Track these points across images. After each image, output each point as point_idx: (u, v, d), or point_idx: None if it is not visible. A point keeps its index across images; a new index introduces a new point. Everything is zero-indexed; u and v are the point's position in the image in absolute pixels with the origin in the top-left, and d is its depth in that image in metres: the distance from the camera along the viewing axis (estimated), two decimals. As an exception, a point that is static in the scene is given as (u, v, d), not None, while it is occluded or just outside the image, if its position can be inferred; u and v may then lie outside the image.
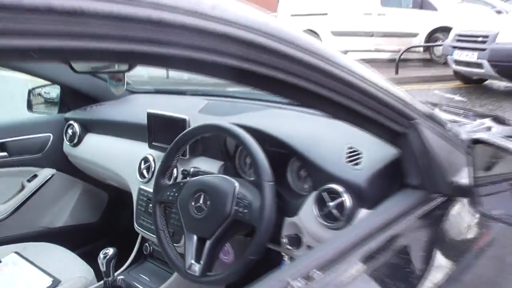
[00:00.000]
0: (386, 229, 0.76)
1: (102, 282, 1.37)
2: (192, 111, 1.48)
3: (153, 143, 1.50)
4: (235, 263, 1.24)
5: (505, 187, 0.87)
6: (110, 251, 1.31)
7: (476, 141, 0.87)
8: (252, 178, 1.19)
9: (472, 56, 6.45)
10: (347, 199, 0.98)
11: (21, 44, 0.37)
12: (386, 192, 0.92)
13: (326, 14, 10.54)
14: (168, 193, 1.18)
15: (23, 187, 1.83)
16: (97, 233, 1.96)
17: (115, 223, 2.01)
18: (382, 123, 0.81)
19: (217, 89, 1.77)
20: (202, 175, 1.23)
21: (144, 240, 1.62)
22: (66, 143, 1.87)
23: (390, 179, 0.96)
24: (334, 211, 0.99)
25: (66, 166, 1.90)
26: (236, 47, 0.53)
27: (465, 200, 0.89)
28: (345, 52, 11.26)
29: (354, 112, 0.75)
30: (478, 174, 0.87)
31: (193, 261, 1.07)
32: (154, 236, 1.32)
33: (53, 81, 1.88)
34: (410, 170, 0.91)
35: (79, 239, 1.86)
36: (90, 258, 1.49)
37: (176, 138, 1.21)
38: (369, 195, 0.97)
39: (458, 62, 6.84)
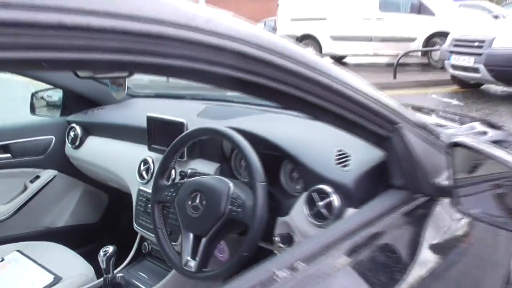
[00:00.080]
0: (369, 226, 0.82)
1: (102, 279, 1.42)
2: (191, 115, 1.53)
3: (152, 146, 1.55)
4: (229, 260, 1.29)
5: (484, 188, 0.92)
6: (110, 249, 1.36)
7: (455, 144, 0.92)
8: (246, 179, 1.24)
9: (468, 61, 6.52)
10: (335, 199, 1.04)
11: (35, 56, 0.43)
12: (373, 192, 0.97)
13: (325, 18, 10.62)
14: (166, 193, 1.24)
15: (25, 188, 1.88)
16: (97, 233, 2.01)
17: (115, 224, 2.05)
18: (367, 127, 0.86)
19: (215, 94, 1.82)
20: (199, 176, 1.28)
21: (143, 239, 1.67)
22: (68, 145, 1.93)
23: (376, 180, 1.01)
24: (323, 211, 1.05)
25: (67, 167, 1.95)
26: (229, 58, 0.58)
27: (446, 200, 0.95)
28: (345, 56, 11.36)
29: (340, 116, 0.80)
30: (458, 176, 0.93)
31: (189, 258, 1.12)
32: (153, 235, 1.37)
33: (56, 85, 1.93)
34: (395, 172, 0.96)
35: (79, 239, 1.91)
36: (90, 257, 1.54)
37: (174, 141, 1.27)
38: (356, 195, 1.02)
39: (455, 67, 6.91)
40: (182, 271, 1.13)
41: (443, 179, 0.96)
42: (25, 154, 1.86)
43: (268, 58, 0.63)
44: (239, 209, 1.08)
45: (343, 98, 0.77)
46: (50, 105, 2.08)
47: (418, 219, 0.92)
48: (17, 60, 0.42)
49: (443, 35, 7.96)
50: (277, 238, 1.16)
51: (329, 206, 1.04)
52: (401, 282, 0.77)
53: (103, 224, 2.06)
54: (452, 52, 6.89)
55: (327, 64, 0.77)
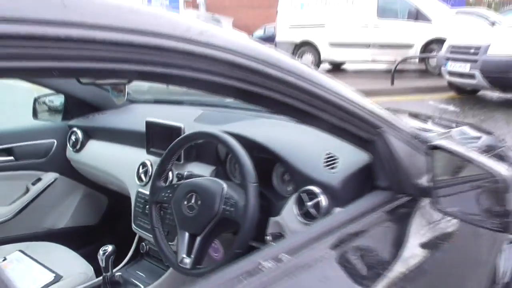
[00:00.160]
0: (352, 223, 0.87)
1: (101, 278, 1.47)
2: (188, 120, 1.59)
3: (151, 149, 1.61)
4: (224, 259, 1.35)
5: (461, 188, 0.98)
6: (109, 248, 1.41)
7: (434, 147, 0.98)
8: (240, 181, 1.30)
9: (464, 67, 6.60)
10: (323, 199, 1.09)
11: (47, 65, 0.49)
12: (359, 192, 1.03)
13: (324, 26, 10.72)
14: (163, 194, 1.30)
15: (27, 190, 1.93)
16: (97, 235, 2.06)
17: (114, 226, 2.11)
18: (351, 131, 0.92)
19: (212, 100, 1.88)
20: (195, 178, 1.34)
21: (141, 239, 1.73)
22: (69, 149, 1.99)
23: (362, 181, 1.07)
24: (312, 210, 1.10)
25: (68, 170, 2.01)
26: (221, 66, 0.65)
27: (427, 200, 1.01)
28: (343, 62, 11.46)
29: (325, 121, 0.86)
30: (438, 177, 0.99)
31: (184, 255, 1.18)
32: (150, 236, 1.43)
33: (58, 91, 1.99)
34: (379, 173, 1.02)
35: (79, 240, 1.96)
36: (89, 258, 1.59)
37: (171, 144, 1.33)
38: (343, 195, 1.08)
39: (451, 73, 6.99)
40: (178, 268, 1.19)
41: (424, 180, 1.02)
42: (27, 157, 1.92)
43: (256, 67, 0.69)
44: (232, 209, 1.14)
45: (328, 104, 0.84)
46: (52, 110, 2.14)
47: (399, 217, 0.98)
48: (30, 68, 0.49)
49: (440, 41, 8.04)
50: (269, 237, 1.22)
51: (317, 206, 1.10)
52: (380, 275, 0.82)
53: (103, 226, 2.11)
54: (448, 58, 6.98)
55: (314, 72, 0.83)
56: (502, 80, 6.21)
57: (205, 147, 1.46)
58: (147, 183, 1.57)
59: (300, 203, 1.13)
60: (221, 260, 1.38)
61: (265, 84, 0.72)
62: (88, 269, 1.53)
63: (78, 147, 1.94)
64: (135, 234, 1.74)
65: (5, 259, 1.58)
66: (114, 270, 1.47)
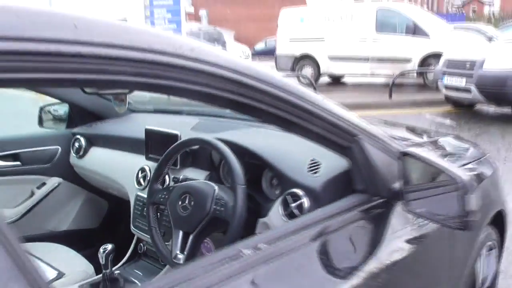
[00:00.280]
0: (328, 220, 0.97)
1: (101, 275, 1.56)
2: (185, 128, 1.70)
3: (149, 155, 1.72)
4: None
5: (429, 191, 1.08)
6: (109, 246, 1.51)
7: (405, 154, 1.08)
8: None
9: (460, 82, 6.73)
10: (305, 201, 1.19)
11: (60, 77, 0.60)
12: (338, 195, 1.12)
13: (323, 39, 10.89)
14: (159, 195, 1.40)
15: (32, 194, 2.03)
16: (97, 237, 2.15)
17: (113, 229, 2.20)
18: (330, 138, 1.03)
19: (208, 110, 1.99)
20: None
21: (139, 240, 1.83)
22: (72, 155, 2.09)
23: (342, 185, 1.17)
24: (295, 211, 1.20)
25: (71, 176, 2.11)
26: (210, 79, 0.75)
27: (399, 202, 1.11)
28: (343, 76, 11.62)
29: (306, 129, 0.97)
30: (409, 181, 1.09)
31: (178, 252, 1.27)
32: (148, 236, 1.52)
33: (63, 100, 2.11)
34: (356, 178, 1.12)
35: (80, 242, 2.05)
36: (89, 259, 1.68)
37: (167, 150, 1.44)
38: (324, 197, 1.18)
39: (448, 87, 7.11)
40: (172, 263, 1.28)
41: (397, 184, 1.12)
42: (33, 163, 2.03)
43: (242, 80, 0.80)
44: (222, 208, 1.24)
45: (309, 114, 0.94)
46: (56, 118, 2.25)
47: (373, 217, 1.08)
48: (46, 79, 0.59)
49: (438, 56, 8.15)
50: (257, 237, 1.32)
51: (300, 207, 1.20)
52: (351, 268, 0.92)
53: (103, 229, 2.20)
54: (445, 72, 7.10)
55: (296, 85, 0.94)
56: (497, 94, 6.33)
57: (200, 154, 1.57)
58: (145, 187, 1.67)
59: (285, 204, 1.23)
60: None
61: (251, 95, 0.83)
62: (89, 267, 1.62)
63: (81, 153, 2.05)
64: (133, 236, 1.84)
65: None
66: (113, 269, 1.57)
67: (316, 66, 11.11)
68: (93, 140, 2.06)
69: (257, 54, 25.81)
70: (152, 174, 1.52)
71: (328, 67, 11.01)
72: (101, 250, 1.51)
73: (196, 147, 1.45)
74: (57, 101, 2.14)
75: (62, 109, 2.22)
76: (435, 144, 1.79)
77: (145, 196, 1.61)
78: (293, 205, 1.21)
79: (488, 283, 1.81)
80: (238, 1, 33.30)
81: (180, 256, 1.26)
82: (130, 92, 1.67)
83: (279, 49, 11.89)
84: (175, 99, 2.44)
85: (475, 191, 0.99)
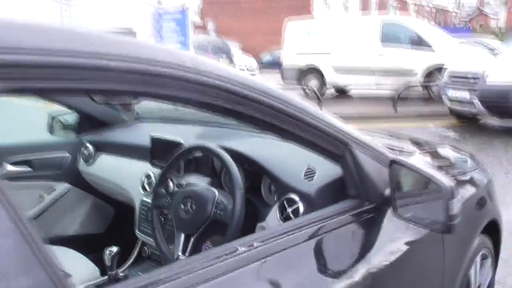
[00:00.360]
0: (319, 223, 1.04)
1: (106, 277, 1.63)
2: (189, 136, 1.78)
3: (154, 162, 1.80)
4: None
5: (416, 197, 1.14)
6: (114, 249, 1.58)
7: (394, 162, 1.15)
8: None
9: (464, 95, 6.78)
10: (301, 206, 1.26)
11: (78, 86, 0.67)
12: (332, 200, 1.19)
13: (329, 52, 10.99)
14: (163, 200, 1.48)
15: (42, 199, 2.11)
16: (102, 242, 2.22)
17: (118, 234, 2.27)
18: (323, 146, 1.10)
19: (212, 119, 2.07)
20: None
21: (143, 244, 1.89)
22: (81, 161, 2.17)
23: (335, 191, 1.23)
24: (291, 215, 1.27)
25: (79, 182, 2.19)
26: (209, 90, 0.83)
27: (389, 208, 1.17)
28: (348, 88, 11.70)
29: (302, 137, 1.04)
30: (398, 187, 1.15)
31: (180, 253, 1.34)
32: (152, 240, 1.59)
33: (73, 108, 2.19)
34: (349, 184, 1.18)
35: (86, 247, 2.12)
36: (95, 262, 1.75)
37: (171, 157, 1.51)
38: (318, 202, 1.24)
39: (452, 100, 7.16)
40: None
41: (387, 190, 1.18)
42: (43, 169, 2.11)
43: (239, 90, 0.88)
44: (221, 212, 1.31)
45: (303, 123, 1.01)
46: (66, 126, 2.34)
47: (363, 221, 1.14)
48: (65, 88, 0.67)
49: (443, 69, 8.21)
50: (256, 240, 1.38)
51: (296, 211, 1.27)
52: (340, 268, 0.99)
53: (108, 234, 2.27)
54: (449, 86, 7.16)
55: (290, 95, 1.01)
56: (501, 108, 6.37)
57: (202, 161, 1.64)
58: (150, 192, 1.75)
59: (282, 209, 1.30)
60: None
61: (247, 104, 0.90)
62: (94, 269, 1.69)
63: (89, 160, 2.13)
64: (137, 241, 1.91)
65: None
66: (118, 271, 1.63)
67: (322, 78, 11.22)
68: (101, 147, 2.14)
69: (264, 66, 26.00)
70: (156, 179, 1.60)
71: (333, 79, 11.10)
72: (106, 252, 1.57)
73: (198, 154, 1.53)
74: (66, 109, 2.23)
75: (71, 118, 2.31)
76: (434, 154, 1.86)
77: (150, 201, 1.69)
78: (289, 209, 1.27)
79: (484, 291, 1.86)
80: (246, 14, 33.69)
81: (182, 257, 1.33)
82: (137, 102, 1.76)
83: (285, 61, 12.02)
84: (179, 109, 2.52)
85: (457, 196, 1.05)
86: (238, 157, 1.44)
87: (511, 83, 6.24)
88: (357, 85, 11.08)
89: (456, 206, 1.01)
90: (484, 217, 1.76)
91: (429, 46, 9.77)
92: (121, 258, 1.66)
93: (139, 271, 1.83)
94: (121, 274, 1.65)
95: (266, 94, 0.92)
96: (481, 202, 1.77)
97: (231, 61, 21.38)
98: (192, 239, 1.33)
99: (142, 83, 0.74)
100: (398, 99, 8.66)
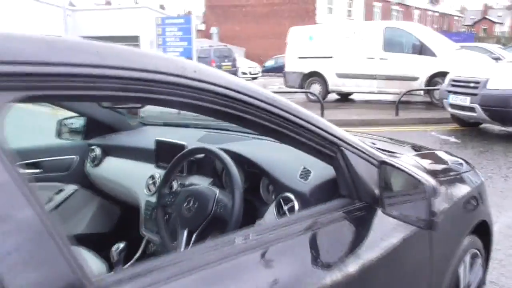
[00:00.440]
0: (312, 218, 1.12)
1: (113, 272, 1.71)
2: (192, 139, 1.87)
3: (159, 164, 1.89)
4: None
5: (404, 197, 1.22)
6: (121, 244, 1.66)
7: (383, 163, 1.23)
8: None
9: (465, 101, 6.83)
10: (296, 204, 1.34)
11: (87, 94, 0.76)
12: (325, 199, 1.27)
13: (331, 57, 11.09)
14: (167, 199, 1.56)
15: (50, 200, 2.20)
16: (108, 241, 2.30)
17: (124, 233, 2.36)
18: (317, 148, 1.18)
19: (214, 123, 2.16)
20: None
21: (148, 242, 1.98)
22: (88, 164, 2.27)
23: (329, 190, 1.31)
24: (287, 212, 1.35)
25: (87, 183, 2.28)
26: (209, 96, 0.91)
27: (378, 206, 1.25)
28: (351, 93, 11.78)
29: (296, 140, 1.12)
30: (388, 187, 1.23)
31: (182, 249, 1.42)
32: (156, 238, 1.68)
33: (80, 113, 2.29)
34: (341, 184, 1.26)
35: (93, 245, 2.20)
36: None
37: (174, 158, 1.60)
38: (312, 201, 1.32)
39: (453, 106, 7.21)
40: None
41: (377, 190, 1.26)
42: (52, 171, 2.20)
43: (237, 96, 0.96)
44: (222, 209, 1.39)
45: (296, 126, 1.09)
46: (73, 131, 2.44)
47: (354, 219, 1.22)
48: (76, 95, 0.76)
49: (445, 75, 8.24)
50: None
51: (291, 209, 1.35)
52: (328, 261, 1.06)
53: (114, 233, 2.36)
54: (450, 91, 7.21)
55: (285, 101, 1.09)
56: (501, 114, 6.42)
57: (204, 162, 1.73)
58: (154, 192, 1.83)
59: (279, 207, 1.38)
60: None
61: (245, 109, 0.99)
62: (101, 265, 1.77)
63: (96, 162, 2.22)
64: (142, 240, 1.99)
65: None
66: (124, 267, 1.71)
67: (324, 83, 11.30)
68: (108, 150, 2.23)
69: (267, 71, 26.14)
70: (161, 180, 1.69)
71: (336, 84, 11.19)
72: (114, 247, 1.66)
73: (200, 156, 1.62)
74: (73, 114, 2.33)
75: (78, 122, 2.40)
76: (429, 156, 1.94)
77: (154, 201, 1.77)
78: (285, 207, 1.36)
79: (474, 289, 1.92)
80: (249, 19, 33.86)
81: None
82: (142, 106, 1.87)
83: (287, 66, 12.12)
84: (183, 114, 2.62)
85: (440, 195, 1.13)
86: (238, 158, 1.53)
87: (512, 89, 6.30)
88: (359, 90, 11.16)
89: (438, 204, 1.08)
90: (474, 218, 1.83)
91: (431, 51, 9.82)
92: (126, 256, 1.74)
93: None
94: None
95: (263, 99, 1.00)
96: (472, 202, 1.85)
97: (233, 65, 21.54)
98: (194, 235, 1.41)
99: (149, 91, 0.82)
100: (400, 104, 8.74)
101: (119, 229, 2.37)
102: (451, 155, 2.16)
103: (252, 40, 33.05)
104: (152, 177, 1.89)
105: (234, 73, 21.42)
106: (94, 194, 2.31)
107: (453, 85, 7.20)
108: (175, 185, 1.71)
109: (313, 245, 1.07)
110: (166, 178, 1.61)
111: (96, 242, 2.28)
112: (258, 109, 1.00)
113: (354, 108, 10.43)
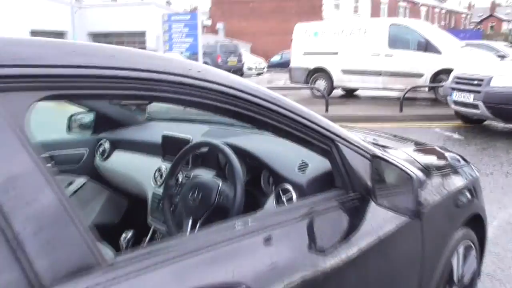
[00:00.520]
0: (308, 207, 1.20)
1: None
2: (196, 134, 1.96)
3: (165, 157, 1.98)
4: None
5: (394, 188, 1.30)
6: (129, 233, 1.76)
7: (375, 156, 1.31)
8: None
9: (468, 98, 6.87)
10: (294, 194, 1.43)
11: (102, 93, 0.85)
12: (321, 190, 1.35)
13: (337, 53, 11.14)
14: (173, 189, 1.66)
15: None
16: (117, 231, 2.40)
17: (131, 224, 2.45)
18: (313, 142, 1.26)
19: (218, 119, 2.24)
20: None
21: (154, 231, 2.07)
22: (97, 157, 2.36)
23: (325, 182, 1.40)
24: (285, 202, 1.44)
25: (96, 176, 2.38)
26: (213, 94, 1.00)
27: (371, 196, 1.33)
28: (356, 89, 11.83)
29: (293, 135, 1.20)
30: (379, 179, 1.32)
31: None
32: (162, 228, 1.77)
33: (90, 109, 2.38)
34: (336, 176, 1.35)
35: (101, 236, 2.30)
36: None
37: (180, 152, 1.69)
38: (308, 192, 1.41)
39: (456, 103, 7.26)
40: None
41: (369, 182, 1.34)
42: (63, 163, 2.30)
43: (238, 94, 1.05)
44: (224, 199, 1.48)
45: (294, 122, 1.18)
46: (82, 125, 2.54)
47: (348, 208, 1.30)
48: (92, 95, 0.85)
49: (449, 72, 8.26)
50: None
51: (290, 199, 1.43)
52: (322, 245, 1.15)
53: (121, 225, 2.45)
54: (453, 88, 7.26)
55: (283, 99, 1.18)
56: (504, 111, 6.45)
57: (208, 156, 1.82)
58: (161, 184, 1.93)
59: (278, 197, 1.47)
60: None
61: (246, 106, 1.07)
62: (111, 253, 1.87)
63: (105, 156, 2.32)
64: (149, 231, 2.09)
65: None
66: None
67: (329, 79, 11.36)
68: (116, 144, 2.33)
69: (273, 66, 26.19)
70: (167, 172, 1.78)
71: (341, 80, 11.25)
72: (122, 236, 1.76)
73: (205, 150, 1.71)
74: (82, 110, 2.42)
75: (88, 118, 2.50)
76: (426, 151, 2.03)
77: (161, 192, 1.87)
78: (284, 197, 1.44)
79: (467, 280, 2.00)
80: (255, 15, 33.89)
81: None
82: (149, 103, 1.97)
83: (293, 62, 12.18)
84: (188, 110, 2.71)
85: (426, 187, 1.21)
86: (240, 152, 1.61)
87: (515, 87, 6.33)
88: (364, 86, 11.21)
89: (431, 195, 1.17)
90: (467, 210, 1.91)
91: (436, 49, 9.85)
92: (133, 245, 1.84)
93: None
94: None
95: (262, 97, 1.09)
96: (465, 196, 1.92)
97: (239, 61, 21.60)
98: (198, 223, 1.50)
99: (158, 90, 0.91)
100: (405, 100, 8.78)
101: (127, 220, 2.46)
102: (448, 150, 2.23)
103: (258, 36, 33.08)
104: (159, 169, 1.98)
105: (240, 68, 21.49)
106: (103, 186, 2.41)
107: (457, 82, 7.24)
108: (180, 177, 1.80)
109: (309, 231, 1.16)
110: (173, 170, 1.70)
111: (105, 233, 2.38)
112: (257, 106, 1.09)
113: (359, 104, 10.48)
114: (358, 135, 1.45)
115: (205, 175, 1.76)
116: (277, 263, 1.01)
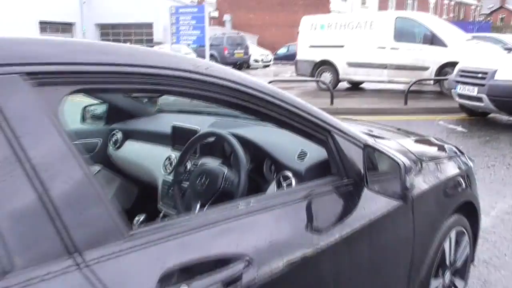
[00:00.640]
0: (305, 191, 1.32)
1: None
2: (204, 125, 2.08)
3: (175, 146, 2.11)
4: None
5: (385, 174, 1.42)
6: (142, 216, 1.89)
7: (367, 145, 1.43)
8: None
9: (473, 91, 6.93)
10: (293, 181, 1.55)
11: (121, 87, 0.98)
12: (318, 176, 1.47)
13: (343, 46, 11.18)
14: (182, 176, 1.79)
15: None
16: (128, 217, 2.54)
17: (141, 211, 2.59)
18: (310, 132, 1.38)
19: (224, 111, 2.36)
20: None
21: (164, 216, 2.21)
22: (110, 147, 2.50)
23: (322, 169, 1.51)
24: (285, 188, 1.56)
25: (109, 164, 2.52)
26: (219, 88, 1.12)
27: (362, 183, 1.45)
28: (362, 82, 11.89)
29: (291, 125, 1.32)
30: (371, 166, 1.43)
31: None
32: (172, 212, 1.90)
33: (104, 101, 2.52)
34: (332, 163, 1.46)
35: None
36: None
37: (188, 141, 1.82)
38: (307, 178, 1.53)
39: (461, 96, 7.31)
40: None
41: (362, 169, 1.46)
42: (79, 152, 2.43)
43: (242, 89, 1.17)
44: (229, 185, 1.61)
45: (293, 114, 1.30)
46: (95, 116, 2.67)
47: (342, 193, 1.41)
48: (112, 88, 0.98)
49: (455, 65, 8.30)
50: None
51: (289, 185, 1.56)
52: (317, 225, 1.27)
53: (132, 211, 2.59)
54: (458, 82, 7.31)
55: (283, 92, 1.30)
56: (508, 104, 6.51)
57: (215, 145, 1.94)
58: (170, 172, 2.06)
59: (279, 183, 1.59)
60: None
61: (249, 99, 1.19)
62: None
63: (117, 145, 2.45)
64: (159, 214, 2.22)
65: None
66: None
67: (335, 72, 11.42)
68: (128, 134, 2.47)
69: (279, 59, 26.21)
70: (176, 160, 1.91)
71: (346, 73, 11.30)
72: (135, 219, 1.89)
73: (211, 139, 1.83)
74: (96, 101, 2.56)
75: (101, 109, 2.63)
76: (422, 142, 2.14)
77: (170, 179, 2.00)
78: (284, 184, 1.57)
79: (459, 264, 2.11)
80: (263, 7, 33.83)
81: None
82: (160, 96, 2.10)
83: (299, 55, 12.25)
84: (196, 102, 2.84)
85: (412, 172, 1.33)
86: (244, 142, 1.74)
87: (520, 80, 6.37)
88: (369, 79, 11.26)
89: (409, 180, 1.29)
90: (459, 197, 2.02)
91: (442, 42, 9.86)
92: None
93: None
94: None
95: (264, 91, 1.21)
96: (458, 183, 2.03)
97: (246, 53, 21.65)
98: (205, 207, 1.64)
99: (169, 84, 1.04)
100: (410, 93, 8.83)
101: (137, 207, 2.60)
102: (443, 141, 2.34)
103: (265, 28, 33.04)
104: (169, 158, 2.12)
105: (247, 60, 21.52)
106: (115, 174, 2.54)
107: (461, 75, 7.29)
108: (189, 164, 1.93)
109: (306, 212, 1.28)
110: (182, 158, 1.83)
111: None
112: (259, 100, 1.21)
113: (364, 97, 10.55)
114: (357, 127, 1.56)
115: (212, 163, 1.88)
116: (276, 239, 1.14)
